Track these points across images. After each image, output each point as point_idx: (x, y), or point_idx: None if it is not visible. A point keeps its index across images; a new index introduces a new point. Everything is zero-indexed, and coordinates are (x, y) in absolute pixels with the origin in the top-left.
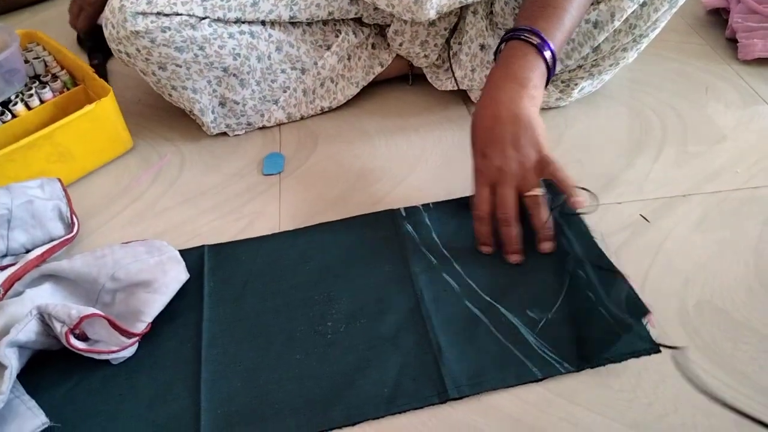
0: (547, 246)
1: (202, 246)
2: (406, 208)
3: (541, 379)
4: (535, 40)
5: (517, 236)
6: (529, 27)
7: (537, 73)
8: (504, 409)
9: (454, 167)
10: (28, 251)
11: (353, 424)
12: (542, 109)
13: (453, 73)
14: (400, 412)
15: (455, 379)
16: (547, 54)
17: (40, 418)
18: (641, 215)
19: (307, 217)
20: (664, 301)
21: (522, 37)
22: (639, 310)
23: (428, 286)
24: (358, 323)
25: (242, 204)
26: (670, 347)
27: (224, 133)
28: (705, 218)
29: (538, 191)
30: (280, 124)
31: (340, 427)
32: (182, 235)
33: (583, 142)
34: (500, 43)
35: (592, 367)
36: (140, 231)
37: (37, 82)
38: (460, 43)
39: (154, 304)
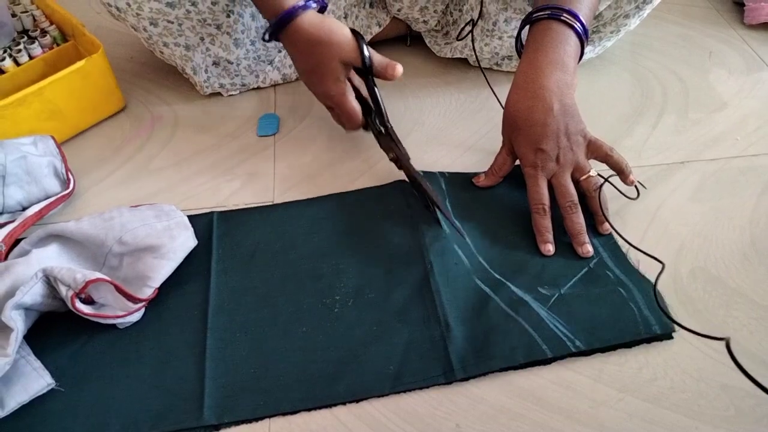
0: (606, 227)
1: (211, 212)
2: (424, 172)
3: (550, 359)
4: (577, 25)
5: (583, 224)
6: (567, 8)
7: (576, 58)
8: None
9: (451, 131)
10: (24, 209)
11: (357, 401)
12: None
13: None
14: (405, 391)
15: (462, 358)
16: (583, 38)
17: (45, 379)
18: (638, 182)
19: (302, 180)
20: (659, 267)
21: (562, 18)
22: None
23: (439, 257)
24: (366, 297)
25: (236, 165)
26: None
27: (218, 93)
28: (702, 185)
29: (593, 173)
30: (275, 85)
31: (344, 403)
32: (176, 195)
33: (583, 106)
34: (532, 18)
35: (602, 349)
36: (133, 191)
37: (26, 37)
38: (460, 10)
39: (162, 269)
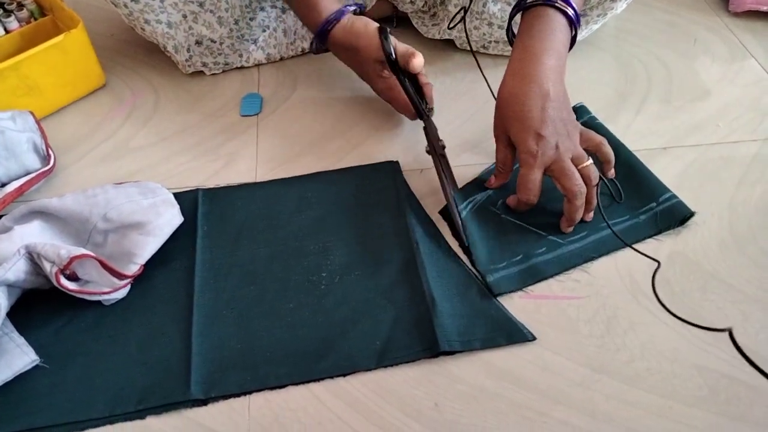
0: (591, 216)
1: (196, 189)
2: None
3: (532, 340)
4: (570, 11)
5: (582, 213)
6: None
7: (567, 45)
8: (475, 351)
9: (437, 114)
10: (4, 185)
11: (344, 375)
12: None
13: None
14: (391, 365)
15: (447, 333)
16: (576, 25)
17: (30, 356)
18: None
19: (285, 160)
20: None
21: (556, 4)
22: None
23: (424, 239)
24: (352, 275)
25: (218, 145)
26: (714, 329)
27: (201, 72)
28: (683, 171)
29: (590, 161)
30: (258, 65)
31: (331, 377)
32: (157, 174)
33: (568, 91)
34: (526, 3)
35: None
36: (114, 169)
37: (2, 10)
38: None
39: (147, 246)
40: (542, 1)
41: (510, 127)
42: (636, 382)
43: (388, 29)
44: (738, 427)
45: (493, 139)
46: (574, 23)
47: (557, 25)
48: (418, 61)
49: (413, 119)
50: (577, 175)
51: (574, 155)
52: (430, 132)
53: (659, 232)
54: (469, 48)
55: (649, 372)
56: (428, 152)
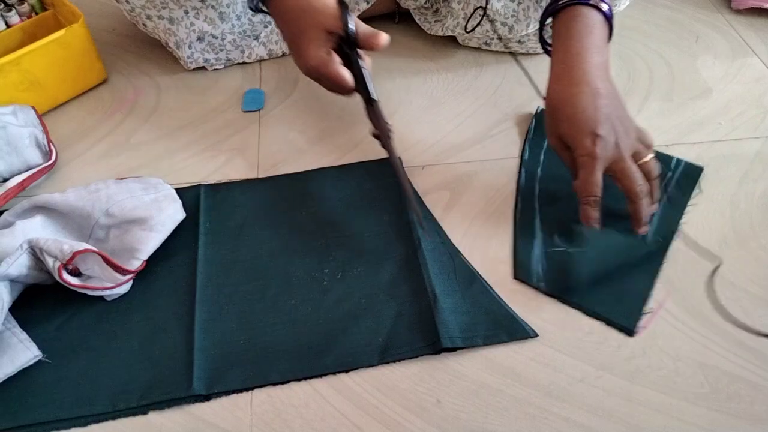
0: (655, 207)
1: (199, 185)
2: None
3: (534, 337)
4: (604, 7)
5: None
6: None
7: (606, 40)
8: (477, 348)
9: (438, 111)
10: (5, 180)
11: (346, 371)
12: (529, 54)
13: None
14: (393, 361)
15: (449, 329)
16: (611, 19)
17: (32, 351)
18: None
19: (287, 156)
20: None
21: (590, 2)
22: None
23: (425, 236)
24: (355, 271)
25: (220, 141)
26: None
27: (203, 68)
28: None
29: (652, 155)
30: (260, 60)
31: (333, 373)
32: (158, 170)
33: None
34: (558, 6)
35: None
36: (115, 165)
37: (3, 5)
38: None
39: (150, 241)
40: (576, 0)
41: (563, 131)
42: (637, 379)
43: (348, 5)
44: (739, 425)
45: (494, 137)
46: (609, 19)
47: (594, 22)
48: (385, 39)
49: (346, 96)
50: (639, 174)
51: (634, 152)
52: (379, 114)
53: (689, 199)
54: (471, 44)
55: (650, 369)
56: (375, 136)
